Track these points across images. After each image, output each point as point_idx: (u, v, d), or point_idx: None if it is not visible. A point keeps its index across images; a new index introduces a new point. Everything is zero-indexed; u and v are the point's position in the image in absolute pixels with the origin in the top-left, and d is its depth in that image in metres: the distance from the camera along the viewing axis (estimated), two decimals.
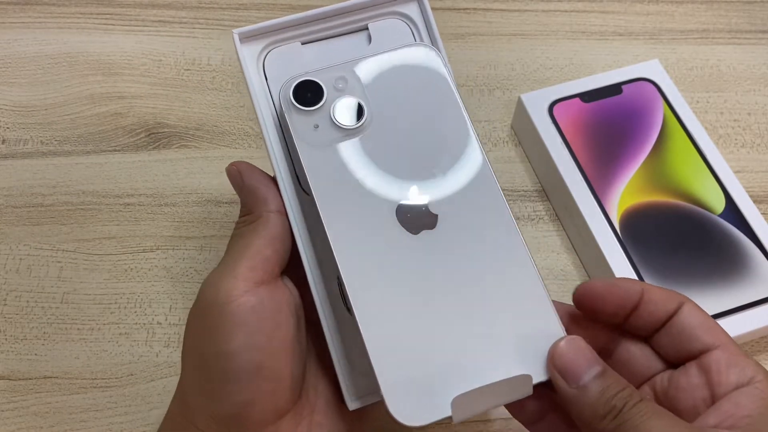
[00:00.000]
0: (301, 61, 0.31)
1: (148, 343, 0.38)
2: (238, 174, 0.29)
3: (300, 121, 0.29)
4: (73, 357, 0.37)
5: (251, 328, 0.25)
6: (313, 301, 0.28)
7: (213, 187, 0.43)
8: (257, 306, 0.25)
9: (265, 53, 0.31)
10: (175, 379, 0.37)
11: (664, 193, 0.41)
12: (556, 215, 0.43)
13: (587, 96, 0.44)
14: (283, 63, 0.31)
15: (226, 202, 0.43)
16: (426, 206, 0.28)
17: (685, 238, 0.39)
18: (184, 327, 0.38)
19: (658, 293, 0.26)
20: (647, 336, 0.27)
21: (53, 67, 0.48)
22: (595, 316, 0.27)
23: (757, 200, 0.42)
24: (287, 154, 0.30)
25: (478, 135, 0.29)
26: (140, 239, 0.41)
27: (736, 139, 0.47)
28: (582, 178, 0.41)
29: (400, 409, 0.25)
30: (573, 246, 0.42)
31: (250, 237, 0.27)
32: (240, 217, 0.29)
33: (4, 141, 0.44)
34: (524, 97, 0.44)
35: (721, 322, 0.36)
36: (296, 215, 0.29)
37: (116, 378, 0.36)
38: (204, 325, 0.26)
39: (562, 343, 0.25)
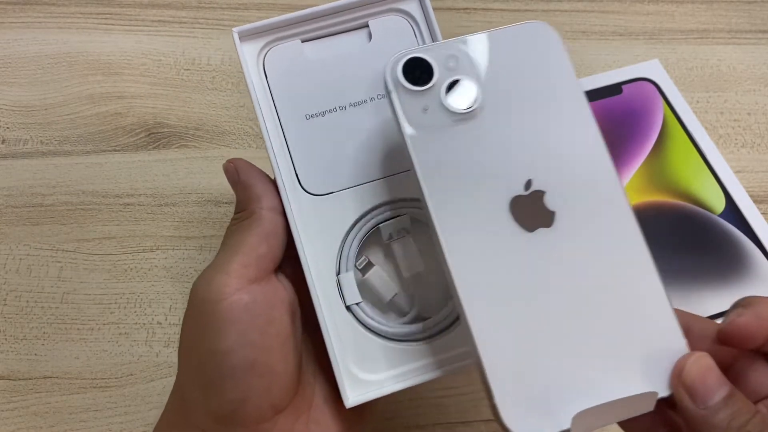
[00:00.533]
0: (301, 59, 0.30)
1: (147, 343, 0.38)
2: (234, 170, 0.29)
3: (408, 103, 0.26)
4: (72, 357, 0.37)
5: (244, 325, 0.25)
6: (309, 299, 0.28)
7: (213, 187, 0.43)
8: (250, 304, 0.25)
9: (265, 52, 0.31)
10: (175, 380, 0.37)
11: (665, 192, 0.41)
12: None
13: (587, 96, 0.44)
14: (283, 61, 0.30)
15: (226, 202, 0.43)
16: (543, 201, 0.26)
17: (685, 237, 0.39)
18: None
19: None
20: None
21: (53, 66, 0.48)
22: (740, 347, 0.25)
23: (757, 200, 0.42)
24: (287, 152, 0.29)
25: (597, 123, 0.26)
26: (140, 239, 0.41)
27: (736, 139, 0.47)
28: None
29: (514, 421, 0.23)
30: None
31: (244, 234, 0.27)
32: (235, 213, 0.28)
33: (4, 141, 0.44)
34: None
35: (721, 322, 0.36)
36: (295, 214, 0.28)
37: (116, 378, 0.36)
38: (197, 323, 0.26)
39: (690, 360, 0.24)
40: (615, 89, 0.45)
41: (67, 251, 0.40)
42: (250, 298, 0.25)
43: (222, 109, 0.47)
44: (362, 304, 0.28)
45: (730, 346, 0.25)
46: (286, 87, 0.30)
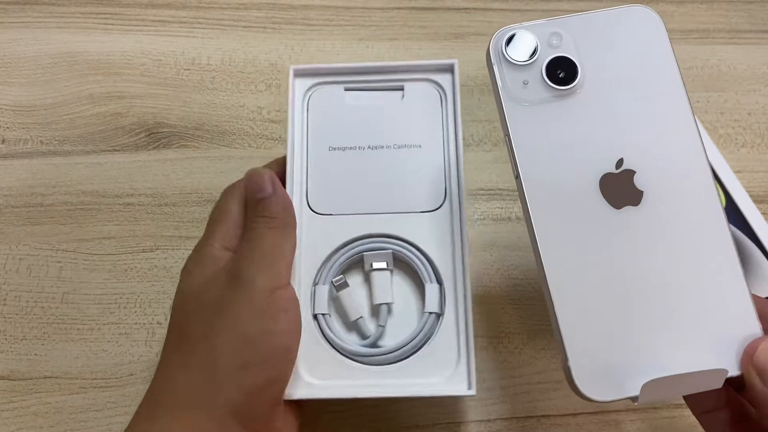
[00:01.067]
0: (340, 102, 0.36)
1: (147, 343, 0.38)
2: (270, 181, 0.31)
3: (509, 76, 0.28)
4: (72, 357, 0.37)
5: (290, 315, 0.29)
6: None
7: (213, 186, 0.43)
8: (293, 298, 0.30)
9: (312, 90, 0.36)
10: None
11: None
12: None
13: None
14: (325, 100, 0.36)
15: None
16: (632, 180, 0.27)
17: None
18: None
19: None
20: None
21: (53, 66, 0.48)
22: None
23: (757, 200, 0.42)
24: (305, 171, 0.34)
25: (693, 109, 0.28)
26: (140, 239, 0.41)
27: (736, 139, 0.47)
28: None
29: (587, 384, 0.25)
30: None
31: (282, 241, 0.31)
32: (263, 215, 0.31)
33: (3, 141, 0.44)
34: None
35: None
36: (302, 233, 0.33)
37: (116, 378, 0.37)
38: (251, 308, 0.28)
39: (764, 343, 0.25)
40: None
41: (67, 251, 0.40)
42: (292, 294, 0.30)
43: (222, 109, 0.47)
44: (327, 317, 0.32)
45: None
46: (321, 121, 0.35)
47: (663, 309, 0.26)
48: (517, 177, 0.27)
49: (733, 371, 0.25)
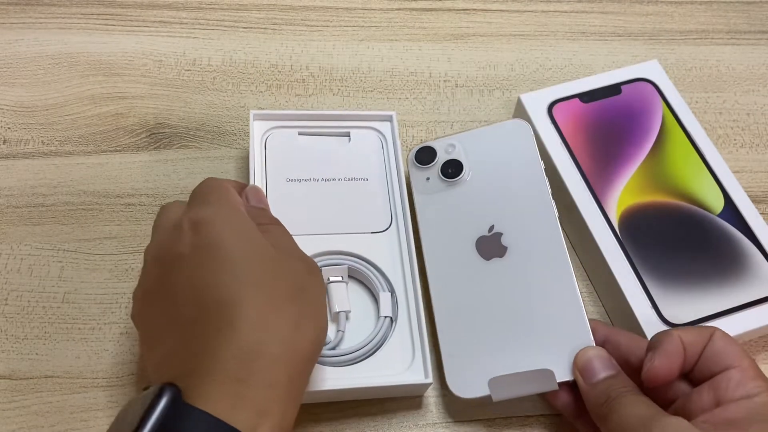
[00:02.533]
0: (295, 143, 0.41)
1: None
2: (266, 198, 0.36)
3: (417, 175, 0.41)
4: (74, 356, 0.37)
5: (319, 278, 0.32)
6: None
7: None
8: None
9: (270, 133, 0.41)
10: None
11: (663, 193, 0.41)
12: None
13: (586, 96, 0.44)
14: (281, 140, 0.41)
15: None
16: (500, 240, 0.37)
17: (684, 238, 0.39)
18: None
19: (690, 334, 0.31)
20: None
21: (54, 67, 0.48)
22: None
23: (756, 200, 0.42)
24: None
25: (550, 189, 0.38)
26: (141, 239, 0.41)
27: (735, 140, 0.47)
28: (581, 178, 0.41)
29: (455, 385, 0.34)
30: (572, 245, 0.42)
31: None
32: (265, 219, 0.33)
33: (5, 141, 0.44)
34: (524, 98, 0.44)
35: (720, 321, 0.36)
36: None
37: (117, 377, 0.37)
38: (301, 265, 0.31)
39: (589, 350, 0.33)
40: (614, 89, 0.45)
41: (68, 251, 0.40)
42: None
43: (223, 110, 0.47)
44: None
45: (658, 386, 0.31)
46: (279, 158, 0.40)
47: (517, 329, 0.35)
48: (421, 241, 0.38)
49: (567, 376, 0.33)
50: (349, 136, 0.42)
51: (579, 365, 0.32)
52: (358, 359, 0.35)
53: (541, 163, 0.39)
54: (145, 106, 0.46)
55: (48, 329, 0.38)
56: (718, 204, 0.40)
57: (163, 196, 0.43)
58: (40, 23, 0.50)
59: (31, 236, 0.41)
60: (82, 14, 0.50)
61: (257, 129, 0.41)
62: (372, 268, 0.38)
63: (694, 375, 0.31)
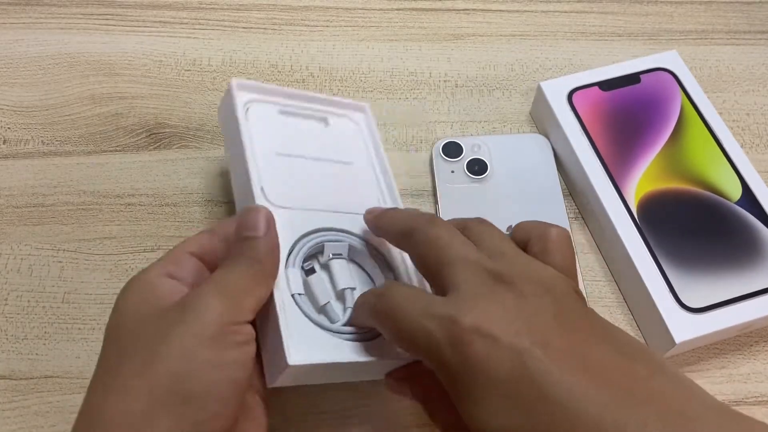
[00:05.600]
0: (278, 121, 0.39)
1: None
2: (265, 220, 0.30)
3: (442, 166, 0.44)
4: (74, 356, 0.37)
5: (244, 349, 0.27)
6: None
7: (214, 187, 0.43)
8: (251, 335, 0.28)
9: (250, 105, 0.38)
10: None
11: (682, 180, 0.41)
12: (574, 201, 0.44)
13: (606, 85, 0.45)
14: (263, 117, 0.38)
15: (226, 202, 0.43)
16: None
17: (701, 224, 0.40)
18: None
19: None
20: None
21: (54, 67, 0.48)
22: None
23: None
24: (259, 174, 0.35)
25: (563, 191, 0.43)
26: (141, 239, 0.41)
27: (734, 140, 0.47)
28: (600, 165, 0.42)
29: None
30: (590, 231, 0.43)
31: (257, 285, 0.29)
32: (245, 255, 0.29)
33: (5, 141, 0.44)
34: (544, 85, 0.45)
35: (735, 307, 0.37)
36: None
37: None
38: (200, 337, 0.27)
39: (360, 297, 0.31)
40: (633, 78, 0.46)
41: (68, 251, 0.40)
42: (253, 332, 0.28)
43: None
44: (303, 297, 0.32)
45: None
46: (262, 131, 0.37)
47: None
48: None
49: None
50: (326, 121, 0.40)
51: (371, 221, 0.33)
52: (373, 336, 0.32)
53: (559, 175, 0.44)
54: (145, 106, 0.46)
55: (48, 329, 0.38)
56: (735, 192, 0.41)
57: (163, 196, 0.43)
58: (40, 23, 0.50)
59: (31, 236, 0.41)
60: (82, 14, 0.50)
61: (239, 99, 0.37)
62: (371, 248, 0.36)
63: None
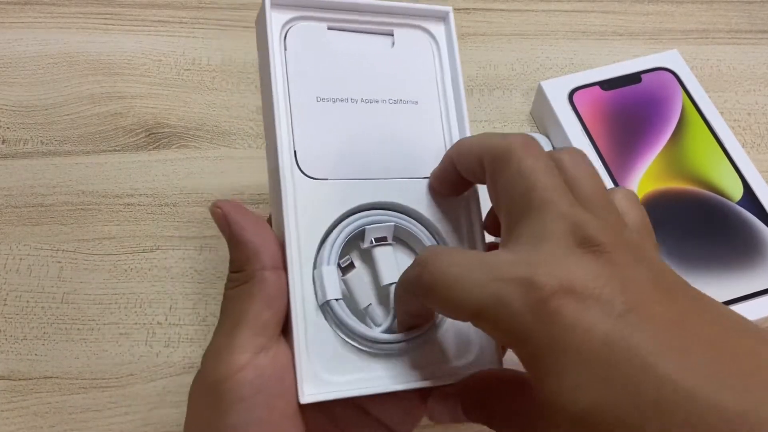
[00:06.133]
0: (324, 42, 0.29)
1: (148, 344, 0.38)
2: (223, 219, 0.26)
3: None
4: (73, 357, 0.37)
5: (249, 403, 0.24)
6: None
7: (213, 187, 0.43)
8: (255, 380, 0.24)
9: (290, 25, 0.29)
10: (175, 380, 0.37)
11: (683, 180, 0.41)
12: None
13: (607, 84, 0.45)
14: (306, 39, 0.29)
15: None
16: None
17: (702, 224, 0.40)
18: (184, 327, 0.38)
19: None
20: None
21: (53, 67, 0.48)
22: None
23: None
24: (290, 128, 0.27)
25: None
26: (140, 239, 0.41)
27: (736, 140, 0.47)
28: (601, 165, 0.42)
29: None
30: None
31: (245, 302, 0.25)
32: (230, 272, 0.26)
33: (4, 141, 0.44)
34: (544, 84, 0.45)
35: (737, 308, 0.37)
36: (288, 195, 0.26)
37: (116, 378, 0.37)
38: (204, 401, 0.25)
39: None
40: (634, 78, 0.46)
41: (67, 251, 0.40)
42: (255, 374, 0.24)
43: (222, 110, 0.47)
44: (341, 302, 0.26)
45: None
46: (303, 64, 0.29)
47: None
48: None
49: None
50: (392, 35, 0.31)
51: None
52: (425, 343, 0.26)
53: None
54: (145, 105, 0.46)
55: (47, 330, 0.38)
56: (737, 192, 0.41)
57: (163, 196, 0.43)
58: (39, 23, 0.49)
59: (30, 236, 0.41)
60: (81, 14, 0.50)
61: (275, 21, 0.28)
62: (423, 228, 0.28)
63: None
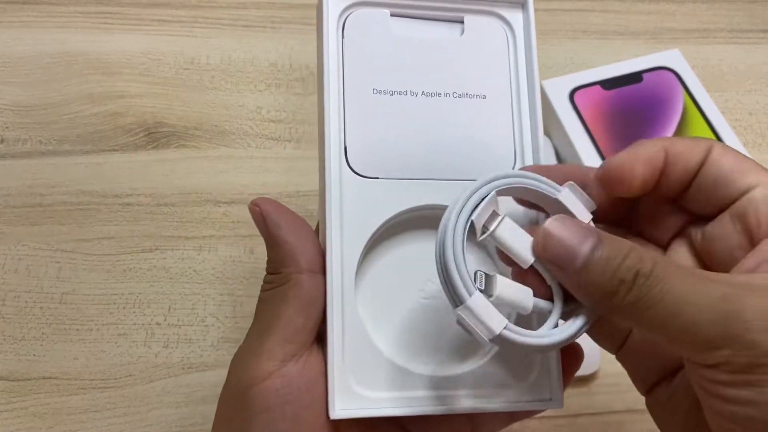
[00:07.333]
0: (385, 30, 0.28)
1: (146, 344, 0.38)
2: (261, 218, 0.25)
3: None
4: (71, 357, 0.37)
5: (274, 414, 0.22)
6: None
7: (212, 186, 0.43)
8: (282, 389, 0.23)
9: (350, 12, 0.28)
10: (174, 380, 0.37)
11: None
12: None
13: (608, 83, 0.45)
14: (366, 27, 0.28)
15: (225, 202, 0.43)
16: None
17: None
18: (183, 328, 0.38)
19: (681, 144, 0.22)
20: (678, 196, 0.23)
21: (52, 66, 0.47)
22: (622, 192, 0.23)
23: None
24: (342, 122, 0.26)
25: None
26: (139, 239, 0.41)
27: (737, 139, 0.47)
28: None
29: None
30: None
31: (279, 305, 0.23)
32: (267, 273, 0.25)
33: (2, 141, 0.44)
34: (545, 84, 0.45)
35: None
36: (333, 195, 0.25)
37: (115, 379, 0.36)
38: (230, 406, 0.24)
39: (546, 224, 0.21)
40: (635, 77, 0.46)
41: (65, 251, 0.40)
42: (282, 382, 0.23)
43: (221, 109, 0.46)
44: (510, 325, 0.21)
45: (612, 188, 0.23)
46: (361, 54, 0.27)
47: None
48: None
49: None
50: (462, 23, 0.28)
51: (548, 254, 0.21)
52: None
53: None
54: (144, 105, 0.46)
55: (46, 330, 0.38)
56: None
57: (162, 195, 0.43)
58: (38, 22, 0.49)
59: (28, 236, 0.41)
60: (80, 13, 0.50)
61: (332, 7, 0.27)
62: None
63: (691, 202, 0.23)
